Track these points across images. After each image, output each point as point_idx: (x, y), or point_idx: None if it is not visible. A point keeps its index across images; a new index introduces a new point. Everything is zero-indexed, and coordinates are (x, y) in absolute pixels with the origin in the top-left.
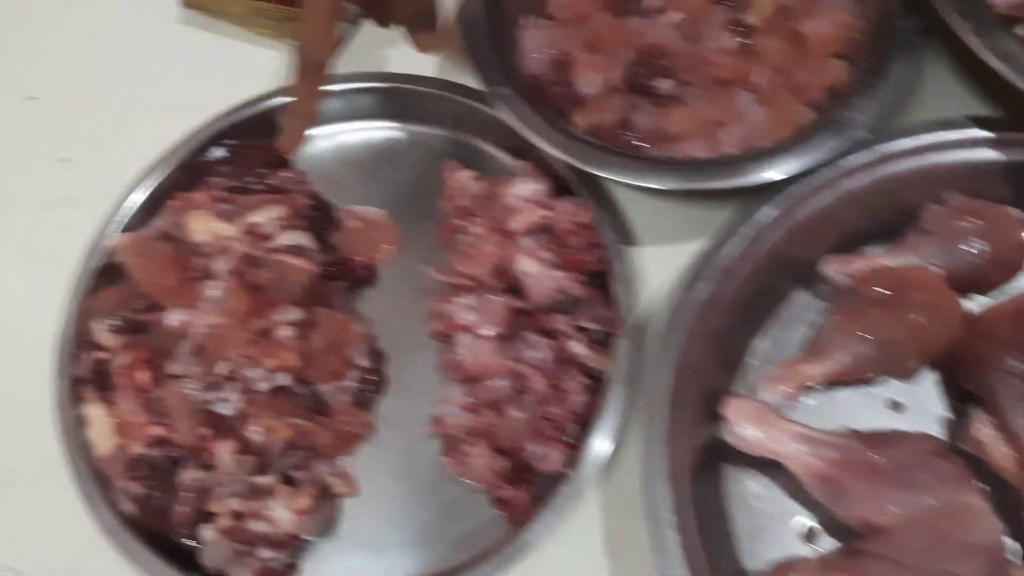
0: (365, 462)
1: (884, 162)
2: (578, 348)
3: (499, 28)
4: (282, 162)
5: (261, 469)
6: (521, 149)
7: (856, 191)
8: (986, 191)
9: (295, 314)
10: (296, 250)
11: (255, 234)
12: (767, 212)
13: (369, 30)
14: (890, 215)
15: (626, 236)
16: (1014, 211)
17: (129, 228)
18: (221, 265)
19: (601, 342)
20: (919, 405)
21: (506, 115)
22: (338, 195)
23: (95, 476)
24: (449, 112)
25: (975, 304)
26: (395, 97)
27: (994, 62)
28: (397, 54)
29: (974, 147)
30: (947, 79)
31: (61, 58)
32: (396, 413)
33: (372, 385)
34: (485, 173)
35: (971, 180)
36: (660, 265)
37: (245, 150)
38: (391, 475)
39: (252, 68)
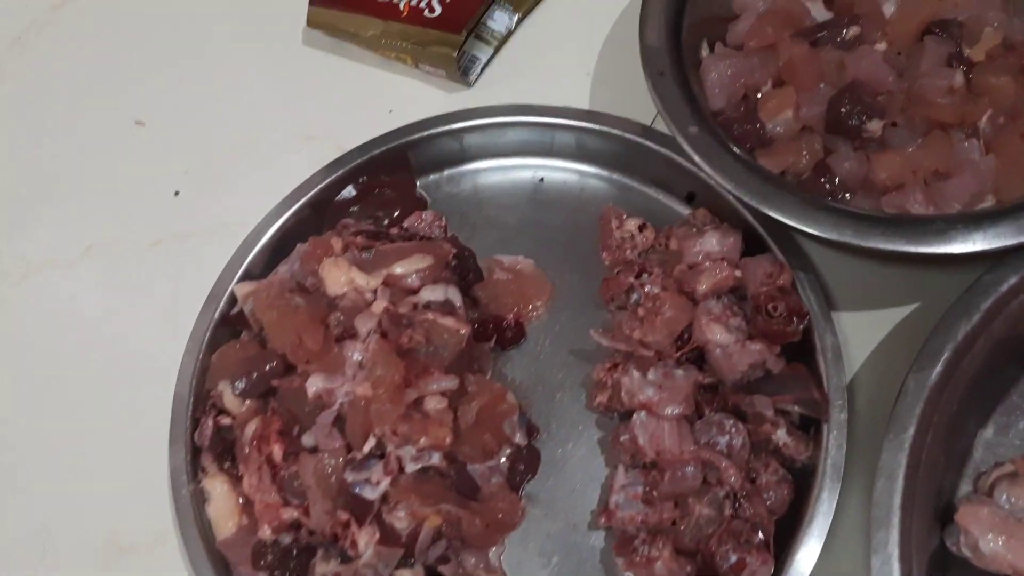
0: (516, 553)
1: None
2: (779, 434)
3: (680, 58)
4: (420, 204)
5: (405, 561)
6: (694, 196)
7: None
8: None
9: (448, 383)
10: (447, 307)
11: (397, 287)
12: (1008, 284)
13: (509, 55)
14: None
15: (828, 301)
16: None
17: (252, 274)
18: (365, 324)
19: (800, 427)
20: None
21: (693, 156)
22: (480, 242)
23: (214, 560)
24: (609, 150)
25: None
26: (545, 132)
27: None
28: (542, 81)
29: None
30: None
31: (172, 82)
32: (550, 497)
33: (525, 464)
34: (650, 221)
35: None
36: (860, 336)
37: (381, 189)
38: (546, 569)
39: (383, 97)
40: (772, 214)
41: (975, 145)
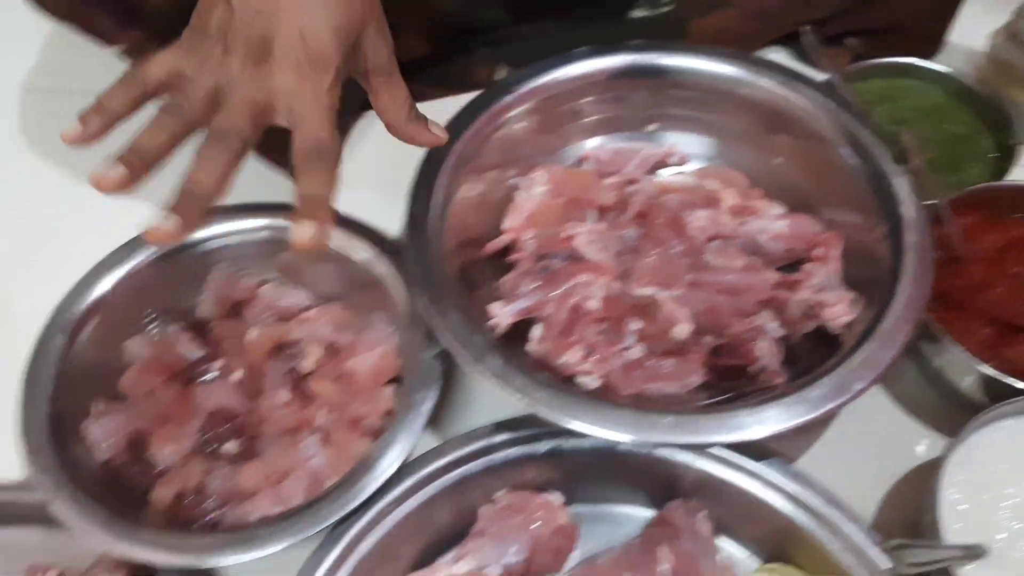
0: None
1: (428, 481)
2: None
3: (62, 426)
4: None
5: None
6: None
7: (415, 511)
8: (531, 480)
9: None
10: None
11: None
12: (321, 558)
13: None
14: (458, 521)
15: None
16: (554, 497)
17: None
18: None
19: None
20: None
21: (71, 520)
22: None
23: None
24: (22, 514)
25: None
26: None
27: (490, 380)
28: None
29: (504, 448)
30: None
31: None
32: None
33: None
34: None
35: (514, 474)
36: None
37: None
38: None
39: None
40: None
41: (314, 441)
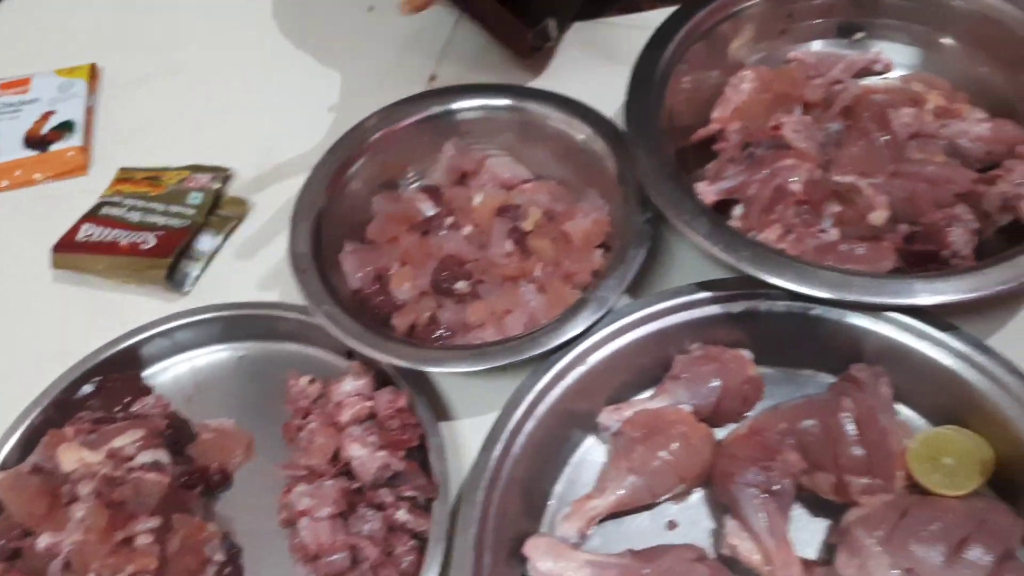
0: None
1: (632, 328)
2: (401, 515)
3: (322, 256)
4: (144, 391)
5: None
6: (351, 352)
7: (616, 352)
8: (723, 338)
9: (152, 523)
10: (153, 466)
11: (118, 457)
12: (536, 379)
13: (217, 266)
14: (652, 367)
15: (442, 413)
16: (745, 352)
17: (5, 466)
18: (85, 488)
19: (425, 507)
20: (692, 522)
21: (330, 327)
22: (196, 412)
23: None
24: (285, 329)
25: (725, 431)
26: (237, 322)
27: (697, 240)
28: (241, 284)
29: (703, 306)
30: (683, 253)
31: None
32: None
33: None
34: (325, 376)
35: (709, 331)
36: (478, 433)
37: (110, 384)
38: None
39: (119, 312)
40: (387, 358)
41: (531, 289)
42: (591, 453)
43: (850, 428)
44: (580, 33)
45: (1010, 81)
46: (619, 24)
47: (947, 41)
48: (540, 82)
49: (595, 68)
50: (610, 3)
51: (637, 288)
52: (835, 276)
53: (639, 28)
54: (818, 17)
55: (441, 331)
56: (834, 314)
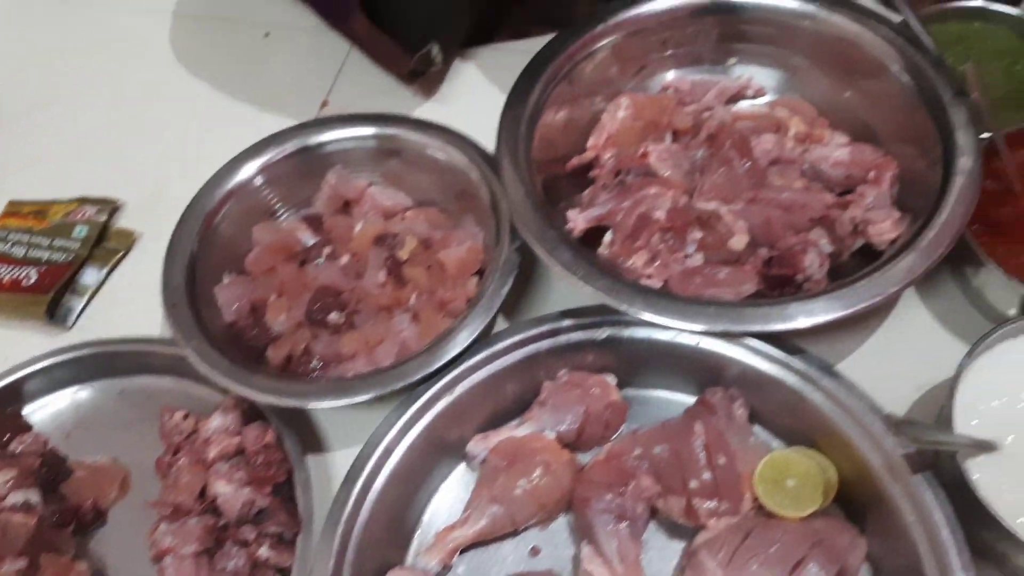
0: None
1: (500, 356)
2: (264, 551)
3: (196, 289)
4: (24, 428)
5: None
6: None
7: (485, 380)
8: (590, 363)
9: (20, 563)
10: (23, 507)
11: None
12: (402, 411)
13: (101, 300)
14: (523, 394)
15: (315, 445)
16: (609, 378)
17: None
18: None
19: (291, 543)
20: (555, 547)
21: (197, 363)
22: (76, 448)
23: None
24: (163, 364)
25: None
26: (116, 357)
27: (556, 269)
28: (125, 317)
29: (568, 332)
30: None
31: None
32: None
33: None
34: (202, 411)
35: (576, 357)
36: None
37: None
38: None
39: (1, 348)
40: (250, 394)
41: (405, 318)
42: (462, 481)
43: (700, 453)
44: (473, 58)
45: (868, 104)
46: (510, 49)
47: (809, 65)
48: (431, 106)
49: (485, 93)
50: (500, 28)
51: (514, 314)
52: (681, 305)
53: (529, 54)
54: (691, 44)
55: (314, 363)
56: (690, 340)
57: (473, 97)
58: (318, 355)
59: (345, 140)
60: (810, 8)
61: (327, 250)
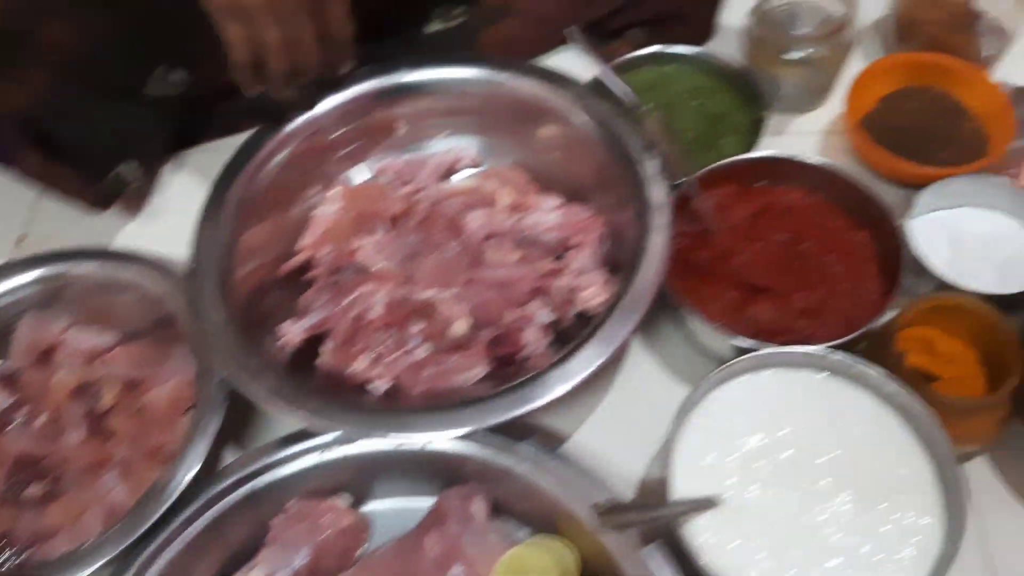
0: None
1: (219, 499)
2: None
3: None
4: None
5: None
6: None
7: (205, 530)
8: (323, 485)
9: None
10: None
11: None
12: None
13: None
14: (257, 534)
15: None
16: (340, 500)
17: None
18: None
19: None
20: None
21: None
22: None
23: None
24: None
25: None
26: None
27: (257, 401)
28: None
29: (296, 459)
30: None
31: None
32: None
33: None
34: None
35: (307, 482)
36: None
37: None
38: None
39: None
40: None
41: (114, 476)
42: None
43: (433, 571)
44: (183, 163)
45: (573, 164)
46: (223, 147)
47: (512, 132)
48: (139, 223)
49: (199, 199)
50: (211, 125)
51: (246, 442)
52: (388, 416)
53: None
54: (391, 127)
55: (19, 546)
56: (415, 444)
57: (187, 204)
58: (23, 538)
59: (18, 289)
60: (502, 76)
61: (25, 411)
